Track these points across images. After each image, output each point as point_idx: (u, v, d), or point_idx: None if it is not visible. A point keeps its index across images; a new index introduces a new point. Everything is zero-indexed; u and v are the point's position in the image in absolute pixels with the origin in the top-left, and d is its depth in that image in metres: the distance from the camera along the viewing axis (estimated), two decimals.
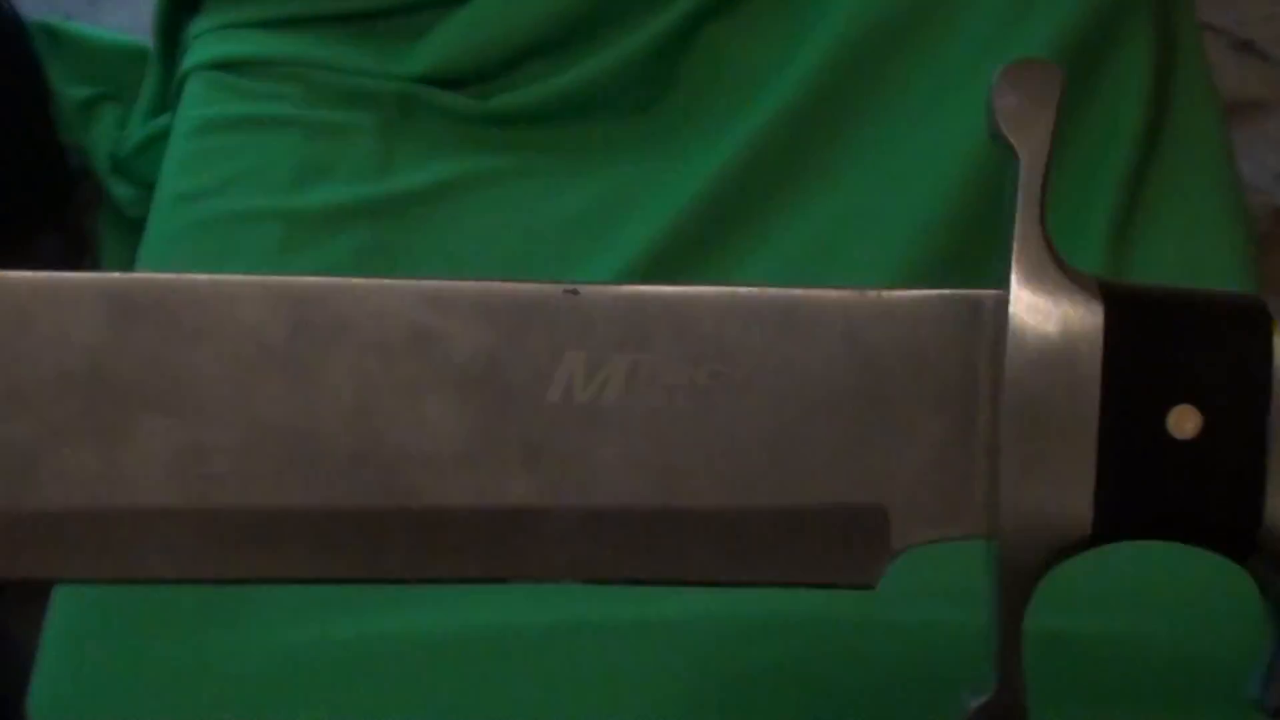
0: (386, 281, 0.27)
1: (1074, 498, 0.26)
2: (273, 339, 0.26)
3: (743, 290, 0.27)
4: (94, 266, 1.21)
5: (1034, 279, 0.26)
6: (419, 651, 0.63)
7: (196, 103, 0.91)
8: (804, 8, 0.87)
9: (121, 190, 1.14)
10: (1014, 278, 0.27)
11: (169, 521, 0.27)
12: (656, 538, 0.26)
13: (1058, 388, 0.26)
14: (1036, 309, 0.26)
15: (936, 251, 0.76)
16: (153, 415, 0.26)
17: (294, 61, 0.91)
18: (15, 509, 0.27)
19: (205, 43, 0.94)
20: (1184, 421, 0.26)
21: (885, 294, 0.27)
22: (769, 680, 0.63)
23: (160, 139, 1.01)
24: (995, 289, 0.27)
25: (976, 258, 0.77)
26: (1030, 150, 0.28)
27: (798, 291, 0.27)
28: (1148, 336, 0.26)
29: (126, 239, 1.11)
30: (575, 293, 0.27)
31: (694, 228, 0.80)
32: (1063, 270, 0.26)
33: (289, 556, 0.27)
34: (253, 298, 0.26)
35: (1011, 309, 0.26)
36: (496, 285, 0.27)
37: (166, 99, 1.02)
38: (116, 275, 0.28)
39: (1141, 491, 0.26)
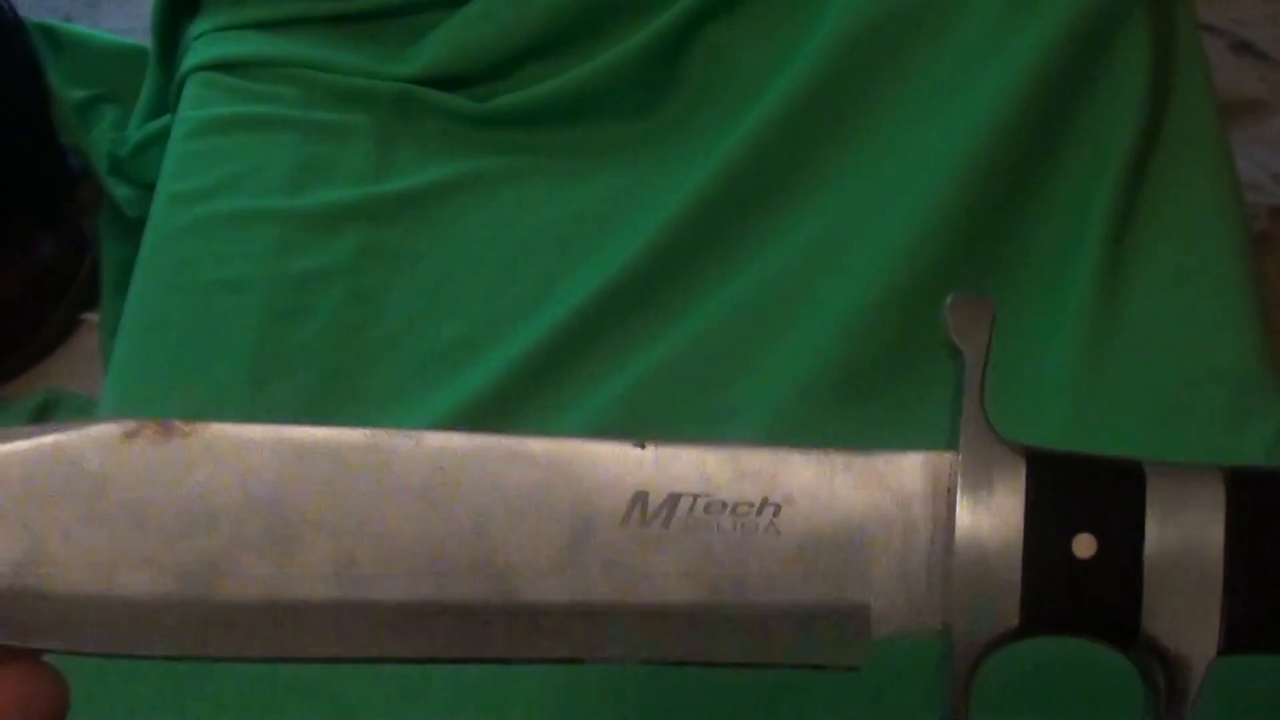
0: (504, 439, 0.36)
1: (1005, 601, 0.35)
2: (418, 480, 0.35)
3: (781, 451, 0.36)
4: (93, 266, 1.21)
5: (975, 444, 0.36)
6: None
7: (195, 104, 0.91)
8: (800, 9, 0.87)
9: (121, 190, 1.14)
10: (962, 443, 0.36)
11: (326, 613, 0.34)
12: (699, 629, 0.35)
13: (992, 522, 0.35)
14: (977, 466, 0.35)
15: (936, 252, 0.76)
16: (319, 533, 0.34)
17: (292, 63, 0.91)
18: (206, 602, 0.34)
19: (204, 44, 0.94)
20: (1084, 546, 0.35)
21: (879, 455, 0.36)
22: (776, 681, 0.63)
23: (159, 140, 1.01)
24: (950, 451, 0.36)
25: (976, 255, 0.77)
26: (972, 354, 0.36)
27: (832, 453, 0.36)
28: (1058, 483, 0.36)
29: (125, 239, 1.11)
30: (643, 446, 0.36)
31: (692, 229, 0.80)
32: (996, 438, 0.36)
33: (416, 641, 0.34)
34: (403, 450, 0.35)
35: (960, 466, 0.36)
36: (583, 444, 0.36)
37: (165, 100, 1.02)
38: (297, 428, 0.35)
39: (1054, 597, 0.35)
